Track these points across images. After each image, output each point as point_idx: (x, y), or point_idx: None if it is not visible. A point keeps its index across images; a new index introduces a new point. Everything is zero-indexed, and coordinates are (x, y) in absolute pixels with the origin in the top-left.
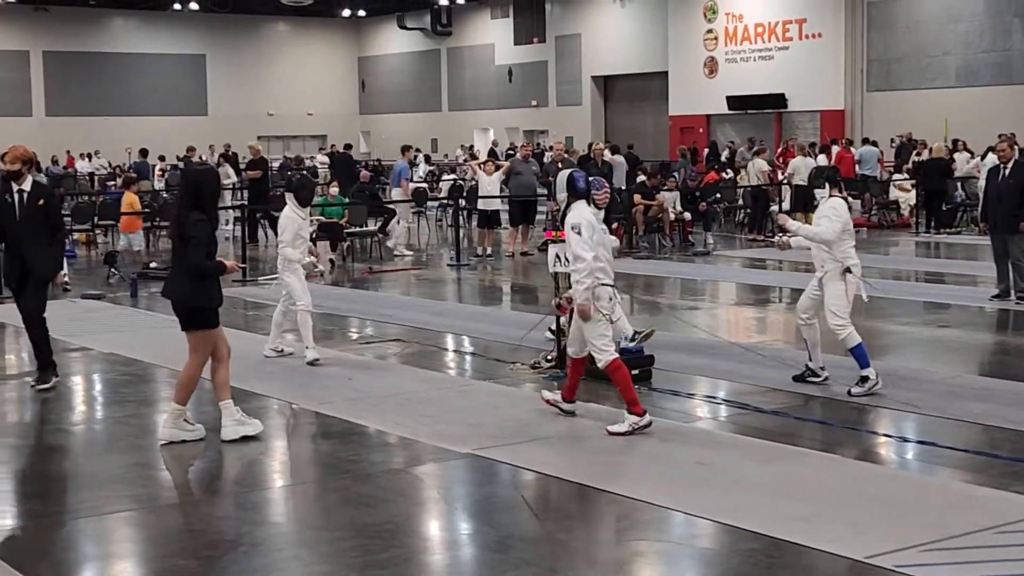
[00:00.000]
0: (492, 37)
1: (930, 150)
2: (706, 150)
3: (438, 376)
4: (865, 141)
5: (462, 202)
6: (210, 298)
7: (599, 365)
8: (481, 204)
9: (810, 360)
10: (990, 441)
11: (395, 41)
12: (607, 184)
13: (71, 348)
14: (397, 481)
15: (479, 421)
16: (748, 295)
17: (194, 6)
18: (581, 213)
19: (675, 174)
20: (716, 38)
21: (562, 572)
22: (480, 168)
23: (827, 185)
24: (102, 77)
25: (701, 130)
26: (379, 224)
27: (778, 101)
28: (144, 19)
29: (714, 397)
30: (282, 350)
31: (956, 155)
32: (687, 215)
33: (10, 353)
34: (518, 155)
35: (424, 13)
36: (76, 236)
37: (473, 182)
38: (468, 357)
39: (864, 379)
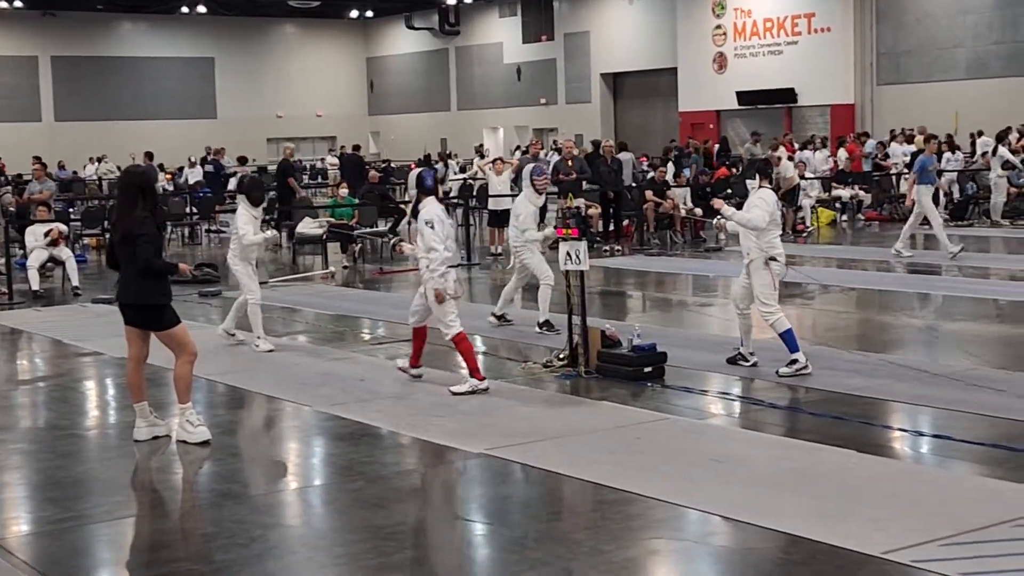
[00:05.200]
0: (500, 36)
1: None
2: (716, 146)
3: (450, 376)
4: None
5: (472, 201)
6: (164, 294)
7: (445, 337)
8: (492, 204)
9: (742, 345)
10: (1007, 434)
11: (403, 41)
12: (546, 171)
13: (83, 352)
14: (410, 482)
15: (491, 421)
16: None
17: (202, 9)
18: (432, 210)
19: (686, 170)
20: (725, 33)
21: (578, 572)
22: (489, 168)
23: (758, 176)
24: (111, 81)
25: (711, 126)
26: (389, 225)
27: (788, 96)
28: (152, 23)
29: (728, 393)
30: (234, 334)
31: (946, 154)
32: (698, 211)
33: (23, 359)
34: (528, 154)
35: (432, 13)
36: (87, 240)
37: (483, 181)
38: (480, 356)
39: (793, 362)
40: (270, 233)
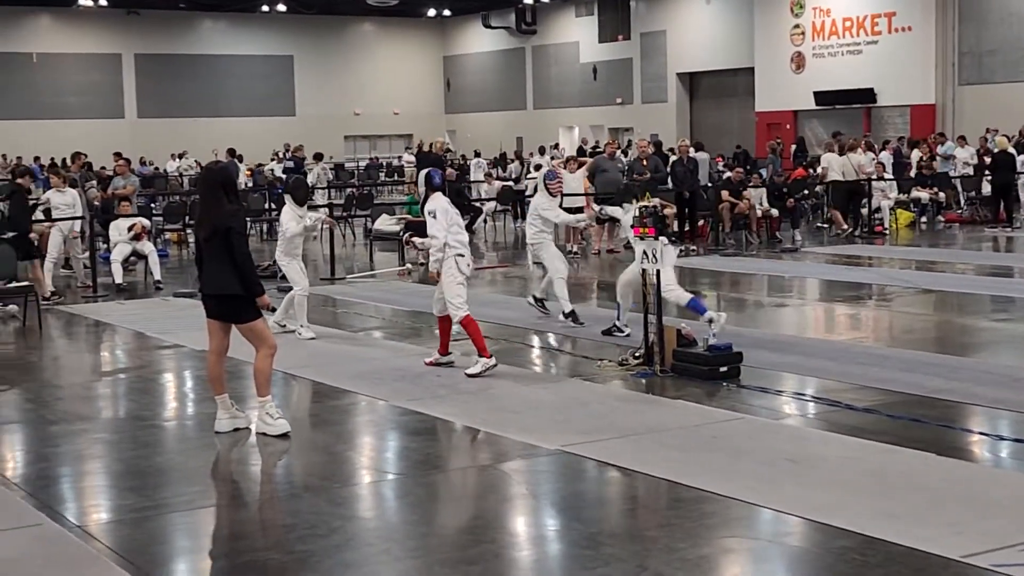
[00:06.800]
0: (577, 35)
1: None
2: (793, 146)
3: (525, 373)
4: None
5: None
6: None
7: (453, 320)
8: (566, 202)
9: (618, 319)
10: None
11: (480, 40)
12: (559, 176)
13: (164, 345)
14: (486, 477)
15: (567, 417)
16: (837, 292)
17: (281, 8)
18: (437, 202)
19: (762, 171)
20: (803, 33)
21: (652, 569)
22: (563, 166)
23: (633, 200)
24: (192, 79)
25: (788, 126)
26: (465, 221)
27: (867, 96)
28: (233, 21)
29: (803, 394)
30: (284, 325)
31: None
32: (774, 212)
33: (106, 351)
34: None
35: (509, 12)
36: (168, 235)
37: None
38: (555, 354)
39: (710, 322)
40: (309, 221)
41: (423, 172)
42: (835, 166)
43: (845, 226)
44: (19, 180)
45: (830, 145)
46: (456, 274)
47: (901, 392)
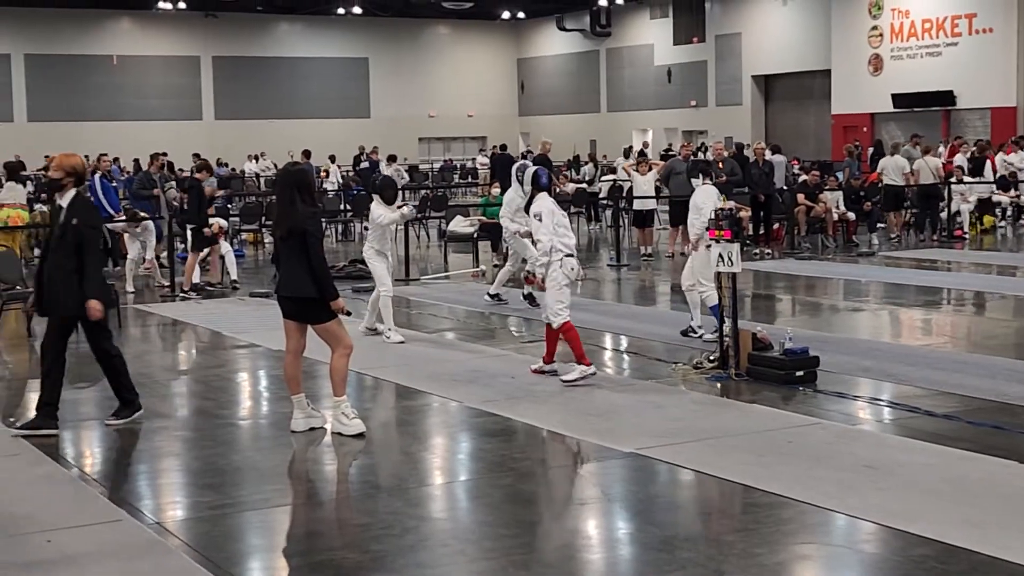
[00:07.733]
0: (651, 37)
1: None
2: (870, 149)
3: (599, 375)
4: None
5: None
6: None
7: (553, 326)
8: (636, 204)
9: (692, 320)
10: None
11: (554, 42)
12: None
13: (240, 345)
14: (560, 479)
15: (642, 421)
16: (914, 296)
17: (357, 10)
18: (543, 204)
19: (838, 174)
20: (881, 35)
21: (728, 574)
22: (634, 169)
23: (701, 175)
24: (268, 81)
25: (865, 129)
26: None
27: (946, 98)
28: (309, 24)
29: (881, 399)
30: (375, 328)
31: None
32: (851, 215)
33: (183, 349)
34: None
35: (583, 14)
36: (244, 236)
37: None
38: (628, 356)
39: (700, 327)
40: (407, 208)
41: (530, 170)
42: (890, 169)
43: (896, 230)
44: (197, 175)
45: (895, 147)
46: (560, 278)
47: (982, 398)
